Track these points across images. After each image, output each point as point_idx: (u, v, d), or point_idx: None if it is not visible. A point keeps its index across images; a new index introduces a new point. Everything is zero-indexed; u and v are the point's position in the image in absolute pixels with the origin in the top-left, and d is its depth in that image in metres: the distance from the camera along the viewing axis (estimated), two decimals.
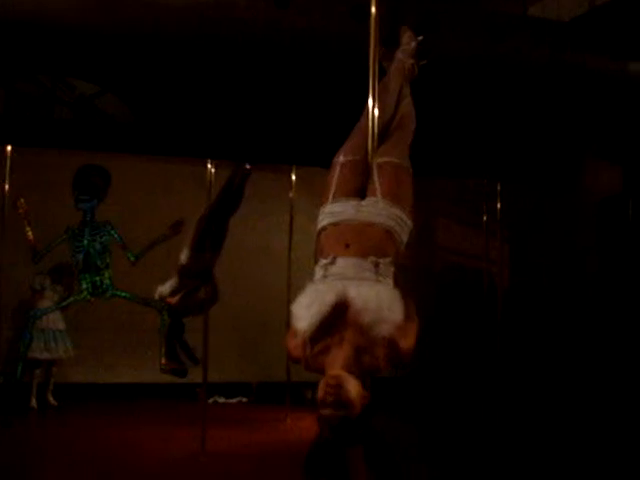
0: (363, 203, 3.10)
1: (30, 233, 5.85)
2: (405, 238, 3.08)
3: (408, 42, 3.82)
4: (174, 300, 6.40)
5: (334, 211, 3.10)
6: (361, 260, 2.88)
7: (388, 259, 2.94)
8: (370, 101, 3.48)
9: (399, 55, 3.76)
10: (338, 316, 2.77)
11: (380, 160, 3.25)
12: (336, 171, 3.25)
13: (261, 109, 5.85)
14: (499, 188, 8.19)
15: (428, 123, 3.89)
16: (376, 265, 2.88)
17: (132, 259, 6.21)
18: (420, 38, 3.84)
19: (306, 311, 2.81)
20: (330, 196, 3.18)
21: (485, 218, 8.60)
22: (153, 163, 8.68)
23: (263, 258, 9.67)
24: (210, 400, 8.81)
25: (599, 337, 8.79)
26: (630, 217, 7.95)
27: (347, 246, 2.92)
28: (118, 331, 9.27)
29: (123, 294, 6.23)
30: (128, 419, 8.49)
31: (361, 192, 3.19)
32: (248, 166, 6.70)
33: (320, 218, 3.15)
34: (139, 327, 7.27)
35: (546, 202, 8.99)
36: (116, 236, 6.21)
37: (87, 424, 8.15)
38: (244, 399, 9.86)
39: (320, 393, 2.71)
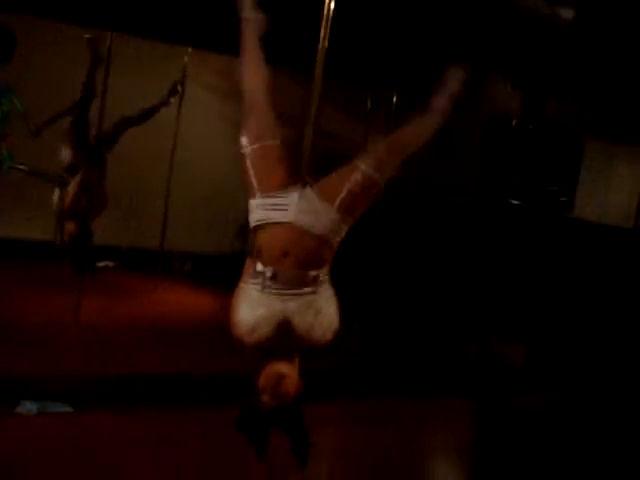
0: (303, 202, 2.92)
1: None
2: (341, 239, 3.00)
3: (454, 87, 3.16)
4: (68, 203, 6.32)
5: (269, 205, 2.94)
6: (301, 275, 2.89)
7: (326, 269, 2.97)
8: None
9: (438, 101, 3.12)
10: (282, 335, 2.90)
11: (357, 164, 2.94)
12: (249, 163, 3.00)
13: None
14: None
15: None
16: (315, 278, 2.91)
17: (33, 130, 5.90)
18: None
19: (249, 333, 2.91)
20: (256, 191, 2.97)
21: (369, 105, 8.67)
22: (64, 29, 8.19)
23: (148, 125, 9.39)
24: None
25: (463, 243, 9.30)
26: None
27: (286, 254, 2.88)
28: None
29: (21, 167, 5.96)
30: None
31: (290, 177, 3.00)
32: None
33: (254, 212, 2.98)
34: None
35: None
36: (18, 104, 5.87)
37: None
38: (111, 263, 9.80)
39: (262, 381, 2.92)
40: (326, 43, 3.64)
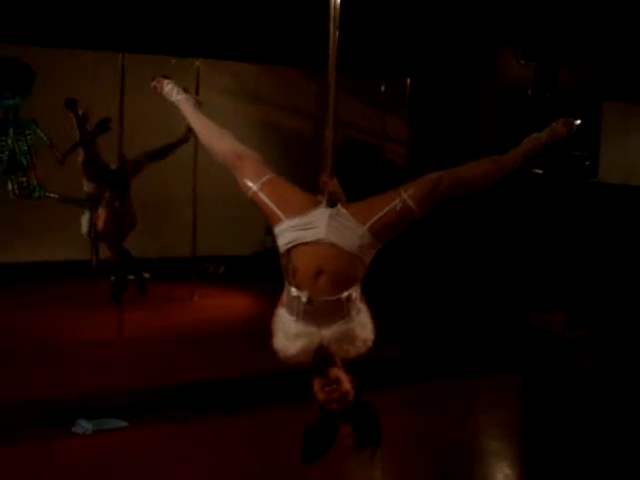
0: (335, 219, 2.97)
1: None
2: (371, 259, 3.04)
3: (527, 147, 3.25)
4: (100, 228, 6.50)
5: (299, 226, 2.98)
6: (336, 298, 2.93)
7: (358, 285, 3.01)
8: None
9: (507, 154, 3.24)
10: (321, 357, 2.98)
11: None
12: (262, 197, 3.06)
13: None
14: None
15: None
16: (349, 298, 2.95)
17: (59, 158, 6.03)
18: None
19: (289, 361, 3.00)
20: (281, 216, 3.01)
21: (383, 90, 8.67)
22: (77, 55, 8.31)
23: (167, 136, 9.51)
24: (112, 277, 8.75)
25: (491, 217, 9.31)
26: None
27: (320, 273, 2.91)
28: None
29: (52, 195, 6.09)
30: (29, 301, 8.26)
31: (309, 197, 3.07)
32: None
33: (283, 236, 3.00)
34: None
35: (453, 91, 9.23)
36: (42, 135, 5.98)
37: None
38: (146, 275, 9.90)
39: (321, 395, 2.98)
40: (336, 39, 3.67)
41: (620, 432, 5.90)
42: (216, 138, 3.27)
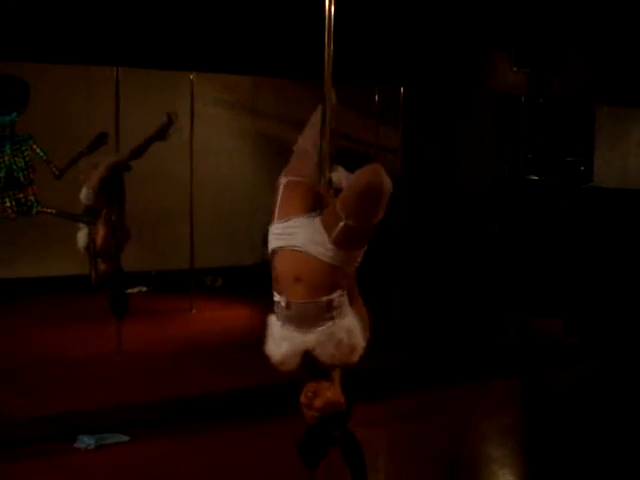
0: (310, 229, 2.95)
1: None
2: (357, 264, 3.00)
3: None
4: (99, 244, 6.48)
5: (279, 232, 3.04)
6: (314, 303, 2.92)
7: (341, 291, 2.96)
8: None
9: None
10: (308, 362, 2.98)
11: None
12: (279, 191, 3.15)
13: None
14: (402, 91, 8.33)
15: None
16: (329, 303, 2.93)
17: (57, 173, 6.03)
18: None
19: (279, 366, 3.01)
20: (275, 217, 3.10)
21: (377, 100, 8.69)
22: (71, 70, 8.34)
23: (163, 147, 9.52)
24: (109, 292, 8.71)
25: (488, 223, 9.33)
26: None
27: (297, 280, 2.92)
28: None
29: (49, 210, 6.07)
30: (28, 317, 8.35)
31: (307, 208, 3.04)
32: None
33: (270, 239, 3.09)
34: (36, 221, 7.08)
35: (446, 100, 9.28)
36: (39, 151, 5.97)
37: None
38: (143, 288, 9.92)
39: (301, 398, 2.98)
40: (331, 50, 3.67)
41: (619, 436, 5.91)
42: (312, 136, 3.34)
